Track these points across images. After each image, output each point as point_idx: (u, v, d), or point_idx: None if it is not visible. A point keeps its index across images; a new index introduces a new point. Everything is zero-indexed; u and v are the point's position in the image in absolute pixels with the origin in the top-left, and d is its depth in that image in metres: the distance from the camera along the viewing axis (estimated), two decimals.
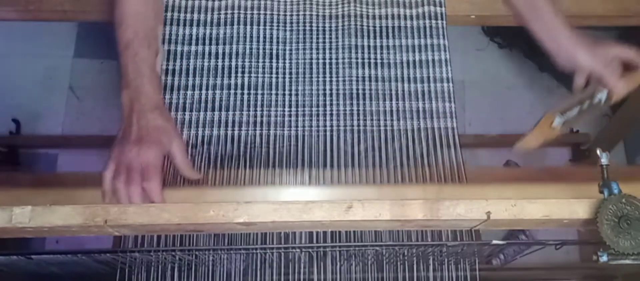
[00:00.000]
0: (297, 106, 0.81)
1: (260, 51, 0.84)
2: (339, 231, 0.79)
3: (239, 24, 0.85)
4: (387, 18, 0.87)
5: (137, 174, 0.67)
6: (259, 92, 0.82)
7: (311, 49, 0.85)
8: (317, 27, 0.87)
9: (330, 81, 0.83)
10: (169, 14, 0.85)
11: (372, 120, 0.81)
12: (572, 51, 0.79)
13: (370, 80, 0.83)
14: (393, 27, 0.87)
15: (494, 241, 0.72)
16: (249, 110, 0.80)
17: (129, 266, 0.78)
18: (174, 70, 0.82)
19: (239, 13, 0.86)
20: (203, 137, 0.79)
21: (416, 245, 0.76)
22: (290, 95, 0.82)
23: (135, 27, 0.75)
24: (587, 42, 0.79)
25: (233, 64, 0.83)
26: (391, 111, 0.81)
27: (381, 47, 0.85)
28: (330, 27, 0.87)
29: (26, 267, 0.78)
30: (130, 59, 0.74)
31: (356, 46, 0.85)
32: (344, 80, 0.83)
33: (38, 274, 0.82)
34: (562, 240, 0.68)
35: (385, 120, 0.81)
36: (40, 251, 0.75)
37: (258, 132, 0.79)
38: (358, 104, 0.82)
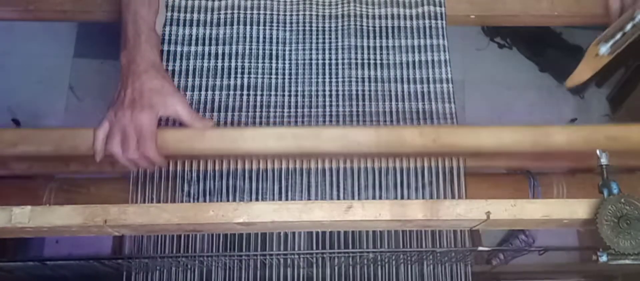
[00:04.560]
0: (296, 107, 0.81)
1: (260, 51, 0.84)
2: (338, 232, 0.79)
3: (238, 24, 0.85)
4: (386, 18, 0.87)
5: (132, 140, 0.68)
6: (259, 92, 0.82)
7: (311, 49, 0.85)
8: (317, 27, 0.87)
9: (330, 81, 0.83)
10: (168, 14, 0.85)
11: (372, 120, 0.81)
12: None
13: (370, 81, 0.83)
14: (393, 28, 0.87)
15: (480, 248, 0.73)
16: (248, 111, 0.80)
17: (134, 268, 0.78)
18: (173, 70, 0.82)
19: (238, 13, 0.86)
20: None
21: (403, 251, 0.76)
22: (289, 95, 0.82)
23: None
24: None
25: (233, 64, 0.83)
26: (391, 112, 0.81)
27: (381, 47, 0.85)
28: (330, 27, 0.87)
29: (30, 270, 0.78)
30: (130, 18, 0.74)
31: (356, 46, 0.85)
32: (343, 81, 0.83)
33: (42, 276, 0.82)
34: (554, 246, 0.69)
35: (385, 120, 0.81)
36: (56, 258, 0.76)
37: None
38: (358, 105, 0.81)
